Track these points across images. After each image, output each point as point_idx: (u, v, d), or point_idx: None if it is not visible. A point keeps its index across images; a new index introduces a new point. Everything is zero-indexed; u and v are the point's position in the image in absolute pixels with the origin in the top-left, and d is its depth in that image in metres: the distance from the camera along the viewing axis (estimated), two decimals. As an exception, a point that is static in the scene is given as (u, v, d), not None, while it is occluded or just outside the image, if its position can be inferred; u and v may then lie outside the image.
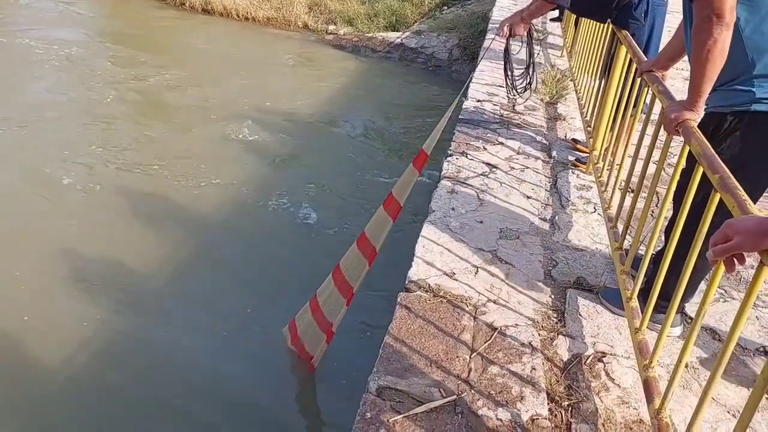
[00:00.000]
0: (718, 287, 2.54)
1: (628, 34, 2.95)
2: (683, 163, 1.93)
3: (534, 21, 3.45)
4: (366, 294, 3.65)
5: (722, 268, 1.88)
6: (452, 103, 3.07)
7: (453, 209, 3.02)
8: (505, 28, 3.30)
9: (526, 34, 3.48)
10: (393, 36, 10.89)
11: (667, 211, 2.02)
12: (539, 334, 2.23)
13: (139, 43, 9.42)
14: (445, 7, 11.54)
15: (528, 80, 3.78)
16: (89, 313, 3.57)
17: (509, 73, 3.80)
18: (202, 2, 11.18)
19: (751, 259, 1.45)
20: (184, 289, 3.87)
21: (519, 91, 3.84)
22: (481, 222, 2.93)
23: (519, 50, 3.77)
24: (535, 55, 3.73)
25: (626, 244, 2.41)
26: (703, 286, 2.09)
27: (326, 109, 7.37)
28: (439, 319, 2.26)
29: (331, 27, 11.11)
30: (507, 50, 3.73)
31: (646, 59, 2.54)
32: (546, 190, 3.31)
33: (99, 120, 6.41)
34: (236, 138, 6.22)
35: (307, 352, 2.99)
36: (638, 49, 2.72)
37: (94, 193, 4.92)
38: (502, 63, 3.86)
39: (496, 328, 2.24)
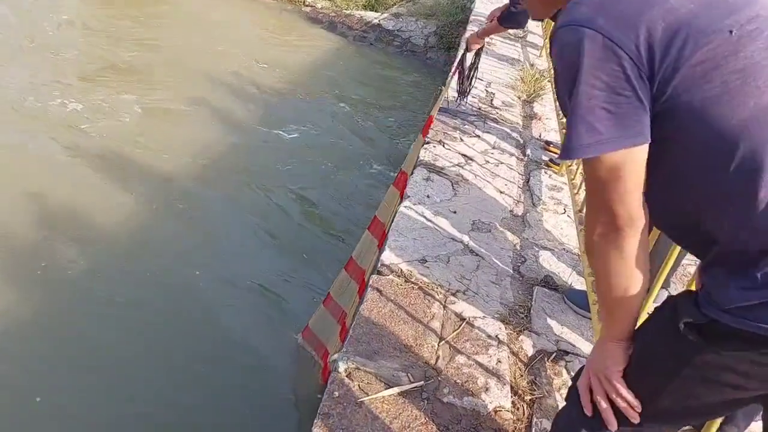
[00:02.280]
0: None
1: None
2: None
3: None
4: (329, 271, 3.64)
5: (668, 268, 1.97)
6: (432, 106, 3.16)
7: (428, 197, 3.03)
8: (464, 42, 3.71)
9: (477, 48, 3.78)
10: (371, 16, 10.78)
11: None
12: (506, 328, 2.27)
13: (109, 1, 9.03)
14: (426, -7, 11.47)
15: (463, 88, 4.06)
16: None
17: (459, 78, 4.04)
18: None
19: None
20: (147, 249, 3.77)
21: (458, 97, 4.13)
22: (455, 212, 2.95)
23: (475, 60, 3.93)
24: (477, 69, 4.02)
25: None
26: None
27: (298, 83, 7.24)
28: (409, 304, 2.26)
29: (309, -1, 10.91)
30: (462, 59, 3.89)
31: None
32: (519, 187, 3.35)
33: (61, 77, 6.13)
34: (202, 103, 6.04)
35: (320, 341, 2.84)
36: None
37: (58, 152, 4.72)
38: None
39: (465, 319, 2.26)
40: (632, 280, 1.04)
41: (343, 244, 4.06)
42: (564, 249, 2.86)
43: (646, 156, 0.94)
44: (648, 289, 1.25)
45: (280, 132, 5.73)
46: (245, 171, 4.89)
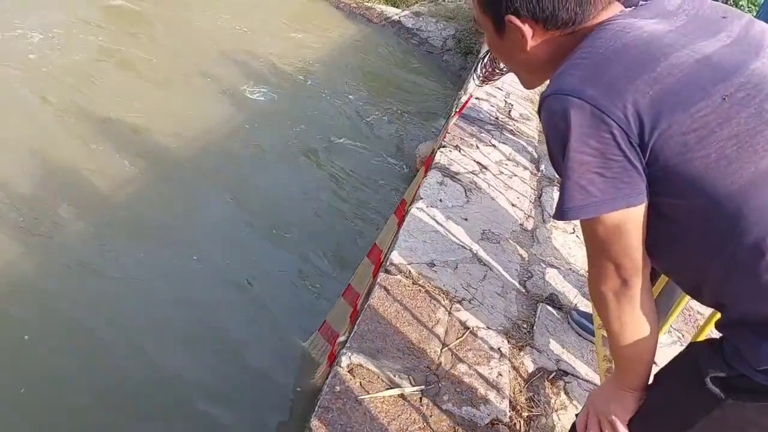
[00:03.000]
0: (676, 329, 2.65)
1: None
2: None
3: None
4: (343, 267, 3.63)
5: (681, 306, 1.97)
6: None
7: (440, 201, 3.02)
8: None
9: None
10: (391, 11, 10.74)
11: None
12: (508, 342, 2.26)
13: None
14: (449, -4, 11.45)
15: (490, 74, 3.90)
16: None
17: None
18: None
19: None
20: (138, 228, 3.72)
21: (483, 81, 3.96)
22: (466, 219, 2.93)
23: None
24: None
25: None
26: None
27: (312, 71, 7.20)
28: (415, 307, 2.25)
29: (333, -13, 10.85)
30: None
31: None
32: (530, 201, 3.34)
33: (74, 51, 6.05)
34: (209, 82, 5.99)
35: (333, 330, 2.81)
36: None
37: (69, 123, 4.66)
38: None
39: (469, 328, 2.25)
40: (644, 328, 1.04)
41: (346, 240, 4.04)
42: (570, 269, 2.86)
43: (643, 215, 0.94)
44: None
45: (286, 119, 5.68)
46: (246, 156, 4.84)
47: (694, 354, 1.09)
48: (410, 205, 3.02)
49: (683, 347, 2.31)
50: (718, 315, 1.04)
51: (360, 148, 5.42)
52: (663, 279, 2.02)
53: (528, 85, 1.17)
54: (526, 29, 1.00)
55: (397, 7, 10.90)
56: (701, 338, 1.54)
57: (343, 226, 4.13)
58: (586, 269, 2.63)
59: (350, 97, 6.71)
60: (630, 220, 0.93)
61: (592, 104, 0.88)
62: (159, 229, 3.65)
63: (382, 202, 4.51)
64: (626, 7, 1.01)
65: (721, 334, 1.02)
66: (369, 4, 10.84)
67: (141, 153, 4.38)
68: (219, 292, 3.29)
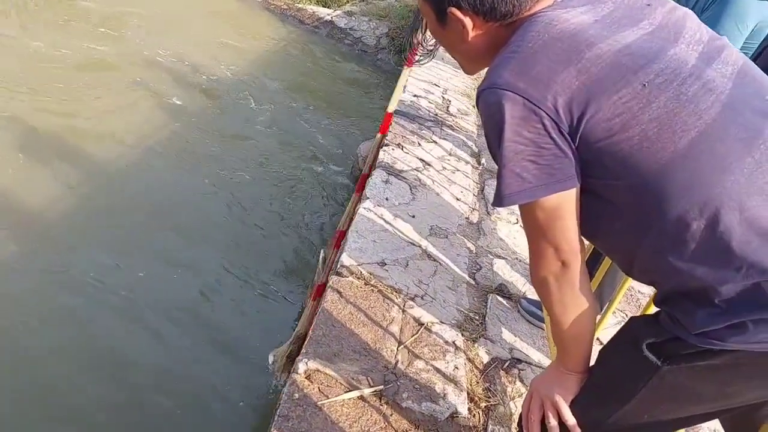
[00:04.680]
0: (620, 310, 2.75)
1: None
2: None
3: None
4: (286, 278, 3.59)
5: (625, 287, 2.06)
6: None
7: (387, 199, 3.02)
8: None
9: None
10: (323, 12, 10.69)
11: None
12: (462, 335, 2.29)
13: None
14: (380, -6, 11.50)
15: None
16: None
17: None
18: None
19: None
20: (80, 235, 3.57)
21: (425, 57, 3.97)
22: (414, 216, 2.96)
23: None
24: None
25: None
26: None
27: (244, 74, 7.07)
28: (369, 307, 2.25)
29: (262, -11, 10.71)
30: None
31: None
32: (474, 195, 3.40)
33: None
34: (145, 92, 5.81)
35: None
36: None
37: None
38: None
39: (423, 324, 2.27)
40: (584, 309, 1.09)
41: (294, 251, 3.99)
42: (517, 258, 2.93)
43: (576, 198, 1.00)
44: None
45: (218, 123, 5.57)
46: (180, 169, 4.71)
47: (632, 327, 1.14)
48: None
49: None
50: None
51: (300, 156, 5.37)
52: (607, 262, 2.10)
53: (469, 71, 1.22)
54: (467, 21, 1.05)
55: (328, 8, 10.85)
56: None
57: (289, 237, 4.09)
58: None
59: (286, 102, 6.63)
60: (564, 202, 0.98)
61: (524, 96, 0.93)
62: (98, 245, 3.51)
63: (326, 208, 4.48)
64: None
65: (657, 310, 1.08)
66: (300, 5, 10.76)
67: (74, 166, 4.20)
68: (164, 311, 3.20)
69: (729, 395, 1.01)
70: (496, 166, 1.01)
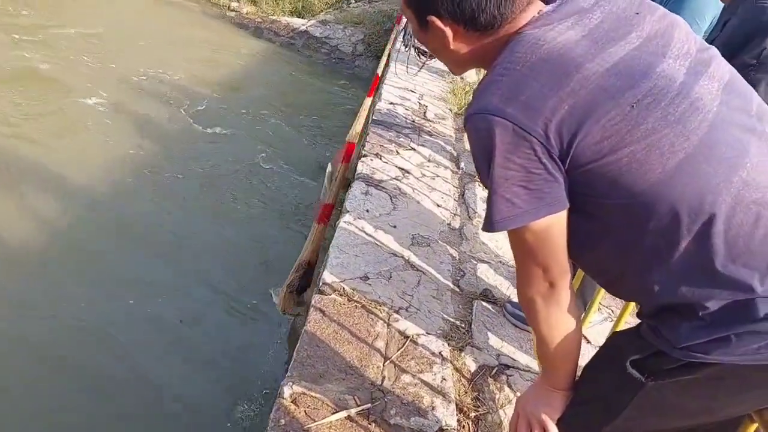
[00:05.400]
0: (605, 306, 2.76)
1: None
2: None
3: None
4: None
5: (601, 292, 2.06)
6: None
7: (367, 211, 3.02)
8: None
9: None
10: (298, 22, 10.69)
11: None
12: (449, 344, 2.28)
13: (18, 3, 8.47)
14: (353, 1, 11.52)
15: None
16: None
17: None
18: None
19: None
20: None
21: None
22: (395, 227, 2.95)
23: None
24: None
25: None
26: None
27: (222, 91, 7.06)
28: (353, 324, 2.24)
29: (234, 4, 10.71)
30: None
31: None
32: (455, 200, 3.40)
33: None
34: (124, 111, 5.78)
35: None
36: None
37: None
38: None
39: (408, 336, 2.26)
40: (571, 328, 1.10)
41: (275, 269, 3.97)
42: (500, 261, 2.93)
43: (564, 220, 1.00)
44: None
45: (201, 140, 5.56)
46: (158, 191, 4.68)
47: (615, 343, 1.14)
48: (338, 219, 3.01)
49: (613, 322, 2.39)
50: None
51: (278, 172, 5.35)
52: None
53: (455, 72, 1.22)
54: (448, 31, 1.04)
55: (302, 18, 10.85)
56: (621, 324, 1.60)
57: (268, 256, 4.08)
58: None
59: (264, 117, 6.62)
60: (554, 225, 0.98)
61: (514, 123, 0.92)
62: (76, 276, 3.48)
63: (304, 227, 4.46)
64: (545, 4, 1.04)
65: (639, 321, 1.07)
66: (274, 17, 10.75)
67: (45, 195, 4.17)
68: (149, 334, 3.18)
69: (714, 409, 1.01)
70: (476, 171, 1.02)
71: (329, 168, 3.01)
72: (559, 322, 1.08)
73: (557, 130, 0.92)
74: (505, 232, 1.01)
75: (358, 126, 3.32)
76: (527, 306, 1.09)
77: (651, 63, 0.96)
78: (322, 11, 11.22)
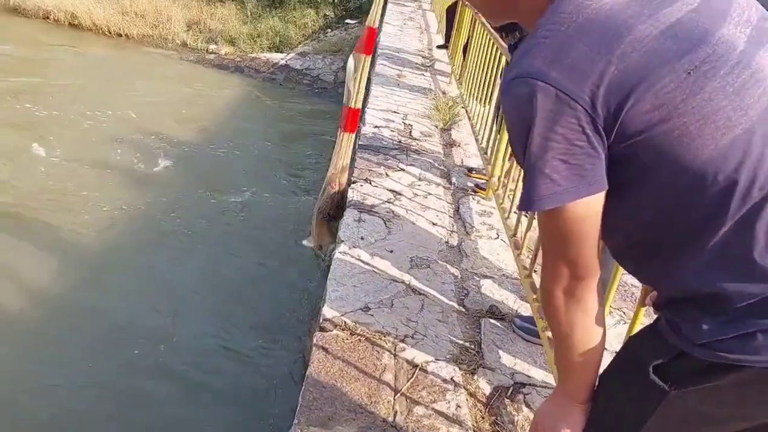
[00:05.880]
0: (616, 309, 2.67)
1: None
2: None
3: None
4: (275, 338, 3.50)
5: (616, 284, 1.98)
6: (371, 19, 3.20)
7: (362, 239, 2.95)
8: None
9: None
10: (277, 57, 10.75)
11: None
12: (460, 368, 2.20)
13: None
14: (329, 30, 11.60)
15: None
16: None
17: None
18: (68, 16, 10.37)
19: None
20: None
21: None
22: (392, 251, 2.88)
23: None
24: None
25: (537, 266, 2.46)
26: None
27: (208, 133, 7.04)
28: (358, 359, 2.15)
29: (212, 46, 10.77)
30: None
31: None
32: (450, 216, 3.33)
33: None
34: (113, 162, 5.76)
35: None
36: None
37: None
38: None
39: (417, 365, 2.17)
40: (593, 332, 1.00)
41: (279, 305, 3.90)
42: (504, 275, 2.85)
43: (602, 204, 0.91)
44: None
45: (191, 186, 5.51)
46: (160, 230, 4.65)
47: (633, 347, 1.06)
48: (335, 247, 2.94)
49: (626, 325, 2.31)
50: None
51: (272, 206, 5.31)
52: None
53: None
54: None
55: (281, 52, 10.91)
56: (636, 327, 1.53)
57: (268, 292, 4.01)
58: (518, 271, 2.62)
59: (255, 154, 6.59)
60: (590, 210, 0.89)
61: (557, 88, 0.83)
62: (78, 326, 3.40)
63: (301, 257, 4.39)
64: None
65: (657, 316, 0.99)
66: (253, 55, 10.81)
67: (51, 249, 4.12)
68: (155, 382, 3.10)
69: (746, 416, 0.93)
70: (510, 145, 0.92)
71: (350, 62, 2.89)
72: (581, 325, 0.98)
73: (605, 96, 0.83)
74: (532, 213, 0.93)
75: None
76: (548, 302, 1.00)
77: (710, 27, 0.86)
78: (300, 43, 11.30)
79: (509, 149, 3.23)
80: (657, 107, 0.83)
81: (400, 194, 3.48)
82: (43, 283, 3.88)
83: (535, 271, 2.44)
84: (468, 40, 4.98)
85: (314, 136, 7.47)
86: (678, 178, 0.85)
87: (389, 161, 3.91)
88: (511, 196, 3.05)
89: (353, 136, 2.89)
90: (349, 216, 3.14)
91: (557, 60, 0.84)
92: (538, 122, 0.85)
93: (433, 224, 3.21)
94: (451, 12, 6.36)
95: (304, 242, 2.96)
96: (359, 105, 2.96)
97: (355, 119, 2.73)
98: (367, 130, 4.35)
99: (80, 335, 3.45)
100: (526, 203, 0.90)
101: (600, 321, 1.00)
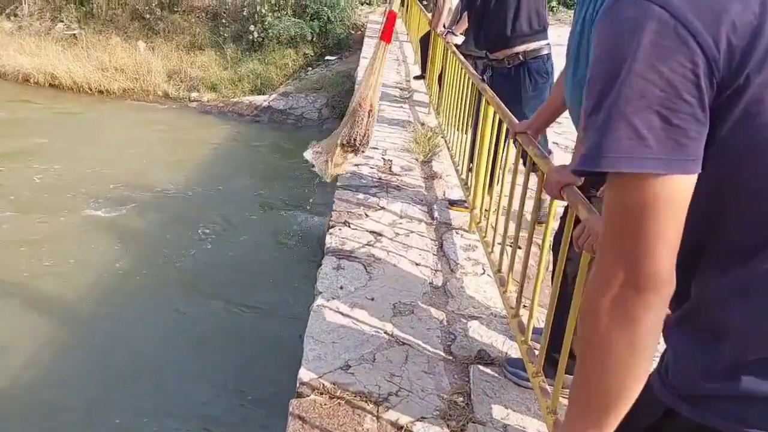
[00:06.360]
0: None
1: (495, 96, 2.94)
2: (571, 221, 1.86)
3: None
4: (247, 406, 3.34)
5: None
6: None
7: (341, 288, 2.81)
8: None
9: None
10: (260, 99, 10.74)
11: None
12: (448, 426, 2.04)
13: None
14: (310, 68, 11.62)
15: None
16: None
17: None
18: (48, 77, 10.38)
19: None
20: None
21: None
22: (372, 299, 2.74)
23: None
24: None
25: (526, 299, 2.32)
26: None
27: (195, 182, 6.96)
28: (338, 426, 2.00)
29: (194, 94, 10.77)
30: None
31: (517, 121, 2.52)
32: (433, 254, 3.20)
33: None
34: (101, 219, 5.66)
35: None
36: (507, 110, 2.71)
37: None
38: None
39: (402, 427, 2.02)
40: (636, 368, 0.74)
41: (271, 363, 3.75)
42: (492, 314, 2.71)
43: (691, 193, 0.70)
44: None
45: (179, 245, 5.39)
46: (147, 286, 4.52)
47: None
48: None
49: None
50: None
51: (262, 249, 5.20)
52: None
53: None
54: None
55: (263, 94, 10.90)
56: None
57: (261, 345, 3.87)
58: (506, 310, 2.47)
59: (241, 200, 6.50)
60: (678, 195, 0.68)
61: (679, 19, 0.66)
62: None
63: (296, 297, 4.26)
64: None
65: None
66: (236, 99, 10.80)
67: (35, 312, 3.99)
68: None
69: None
70: (587, 86, 0.70)
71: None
72: (624, 357, 0.73)
73: (730, 45, 0.65)
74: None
75: None
76: (586, 315, 0.76)
77: None
78: (281, 84, 11.30)
79: (489, 179, 3.11)
80: None
81: (381, 235, 3.36)
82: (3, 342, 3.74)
83: (524, 306, 2.31)
84: (442, 70, 4.92)
85: (297, 176, 7.40)
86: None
87: (369, 200, 3.79)
88: (494, 227, 2.92)
89: (389, 46, 2.97)
90: (327, 264, 3.01)
91: None
92: (642, 55, 0.66)
93: (417, 264, 3.08)
94: (424, 42, 6.32)
95: (312, 165, 2.87)
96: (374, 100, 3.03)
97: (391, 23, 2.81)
98: (345, 169, 4.25)
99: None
100: (592, 158, 0.69)
101: (648, 354, 0.74)
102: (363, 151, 3.04)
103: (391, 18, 3.01)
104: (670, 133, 0.66)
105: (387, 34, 2.99)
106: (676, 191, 0.68)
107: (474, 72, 3.55)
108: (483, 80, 3.29)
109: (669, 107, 0.66)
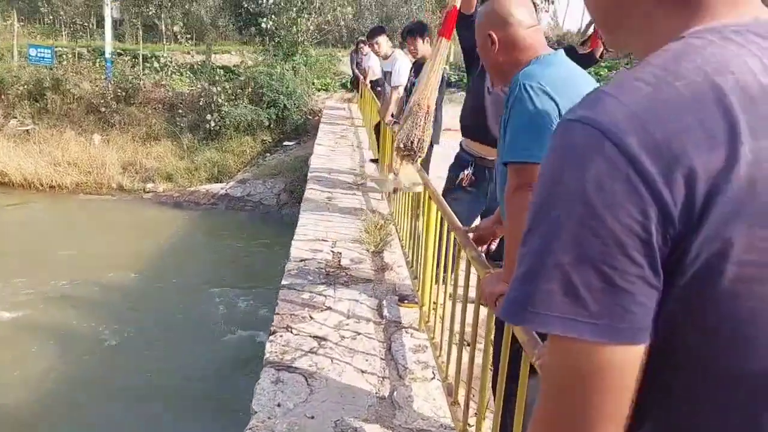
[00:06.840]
0: None
1: (440, 196, 2.84)
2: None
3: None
4: None
5: None
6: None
7: (279, 405, 2.59)
8: None
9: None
10: (217, 187, 10.65)
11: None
12: None
13: None
14: (268, 154, 11.65)
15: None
16: None
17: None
18: (-5, 175, 10.15)
19: None
20: None
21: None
22: (312, 417, 2.52)
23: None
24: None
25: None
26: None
27: (148, 276, 6.70)
28: None
29: (149, 185, 10.63)
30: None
31: (459, 224, 2.41)
32: (381, 358, 3.01)
33: None
34: (38, 321, 5.34)
35: None
36: (450, 212, 2.59)
37: None
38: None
39: None
40: None
41: None
42: (442, 426, 2.50)
43: (640, 363, 0.58)
44: None
45: (131, 335, 5.10)
46: (97, 385, 4.18)
47: None
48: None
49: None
50: None
51: (219, 341, 4.93)
52: None
53: (608, 40, 0.75)
54: None
55: (220, 182, 10.83)
56: None
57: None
58: (454, 422, 2.27)
59: (198, 291, 6.27)
60: (623, 367, 0.57)
61: (632, 162, 0.54)
62: None
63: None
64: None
65: None
66: (192, 188, 10.69)
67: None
68: None
69: None
70: (530, 211, 0.60)
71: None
72: None
73: (692, 204, 0.54)
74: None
75: None
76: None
77: None
78: (239, 171, 11.27)
79: (436, 274, 2.99)
80: (761, 262, 0.54)
81: (325, 339, 3.16)
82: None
83: (470, 424, 2.12)
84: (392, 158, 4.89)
85: (248, 266, 7.21)
86: (752, 379, 0.57)
87: (315, 300, 3.62)
88: (442, 319, 2.76)
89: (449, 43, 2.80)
90: (265, 378, 2.79)
91: (646, 126, 0.55)
92: (585, 199, 0.55)
93: (362, 372, 2.88)
94: (377, 130, 6.38)
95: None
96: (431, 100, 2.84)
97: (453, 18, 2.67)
98: (291, 266, 4.09)
99: None
100: (517, 312, 0.59)
101: None
102: (421, 156, 2.84)
103: (452, 14, 2.88)
104: (614, 297, 0.55)
105: (448, 30, 2.83)
106: (624, 361, 0.57)
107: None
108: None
109: (612, 265, 0.55)
